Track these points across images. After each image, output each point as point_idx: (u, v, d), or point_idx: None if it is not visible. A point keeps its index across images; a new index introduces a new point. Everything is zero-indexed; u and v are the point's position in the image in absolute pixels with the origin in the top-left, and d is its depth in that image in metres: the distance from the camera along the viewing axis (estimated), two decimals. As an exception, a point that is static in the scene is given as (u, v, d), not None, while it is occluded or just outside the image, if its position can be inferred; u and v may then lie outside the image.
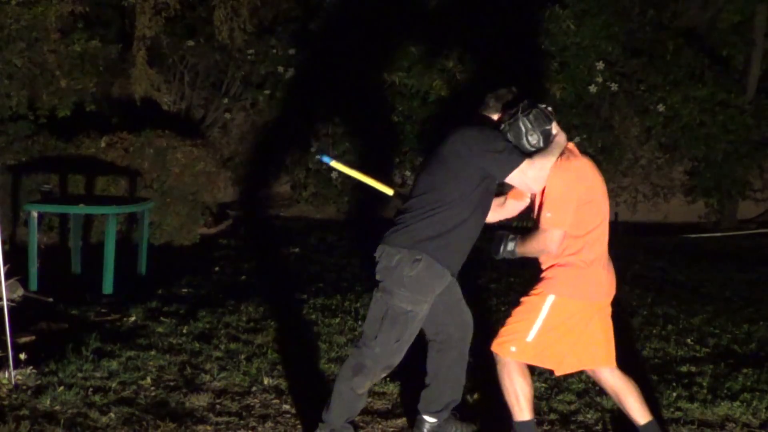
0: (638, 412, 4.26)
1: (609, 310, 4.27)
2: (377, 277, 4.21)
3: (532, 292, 4.17)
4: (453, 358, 4.38)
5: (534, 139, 4.11)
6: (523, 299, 4.20)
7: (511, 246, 4.20)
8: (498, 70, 10.86)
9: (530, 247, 4.14)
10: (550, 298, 4.11)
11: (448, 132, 4.23)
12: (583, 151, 4.33)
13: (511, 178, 4.11)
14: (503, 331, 4.20)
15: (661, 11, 12.41)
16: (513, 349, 4.13)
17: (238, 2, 10.96)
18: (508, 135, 4.14)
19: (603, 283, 4.17)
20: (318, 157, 4.74)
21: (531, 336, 4.11)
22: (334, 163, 4.80)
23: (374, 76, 11.77)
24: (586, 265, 4.11)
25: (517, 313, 4.18)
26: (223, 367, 5.45)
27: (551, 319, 4.11)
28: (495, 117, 4.27)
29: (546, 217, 4.06)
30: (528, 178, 4.07)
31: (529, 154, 4.10)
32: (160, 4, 10.48)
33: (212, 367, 5.43)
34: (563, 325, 4.13)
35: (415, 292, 4.10)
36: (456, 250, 4.17)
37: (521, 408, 4.17)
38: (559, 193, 4.06)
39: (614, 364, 4.29)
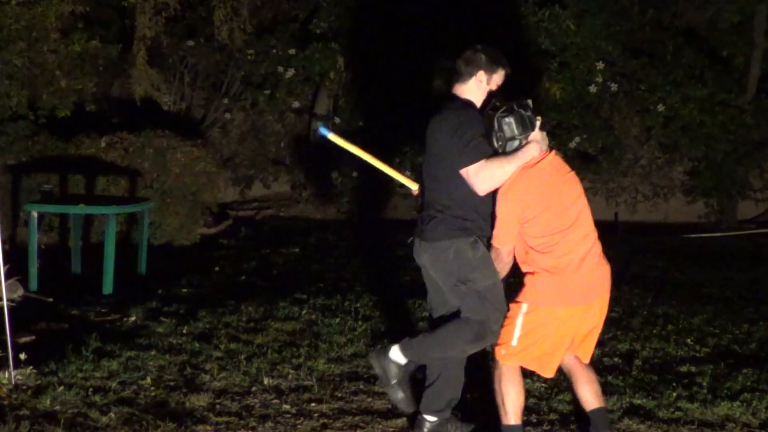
0: (588, 401, 4.30)
1: (597, 311, 4.24)
2: (437, 274, 4.28)
3: (515, 298, 4.24)
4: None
5: (500, 142, 4.16)
6: (510, 304, 4.26)
7: None
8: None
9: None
10: (524, 307, 4.18)
11: (430, 120, 4.26)
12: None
13: (464, 172, 4.13)
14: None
15: (661, 11, 12.41)
16: (503, 352, 4.23)
17: (238, 2, 10.96)
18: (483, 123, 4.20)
19: (577, 287, 4.13)
20: (315, 129, 4.62)
21: (515, 341, 4.19)
22: (332, 136, 4.62)
23: (374, 76, 11.78)
24: (550, 272, 4.11)
25: (506, 317, 4.26)
26: (223, 367, 5.45)
27: (526, 326, 4.17)
28: (470, 81, 4.27)
29: (494, 234, 4.18)
30: (477, 178, 4.09)
31: (490, 155, 4.12)
32: (160, 4, 10.47)
33: (212, 367, 5.43)
34: (537, 332, 4.17)
35: (486, 267, 4.21)
36: (485, 222, 4.24)
37: (506, 412, 4.24)
38: (503, 213, 4.13)
39: (585, 360, 4.33)
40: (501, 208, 4.14)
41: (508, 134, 4.14)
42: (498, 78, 4.31)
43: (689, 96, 11.83)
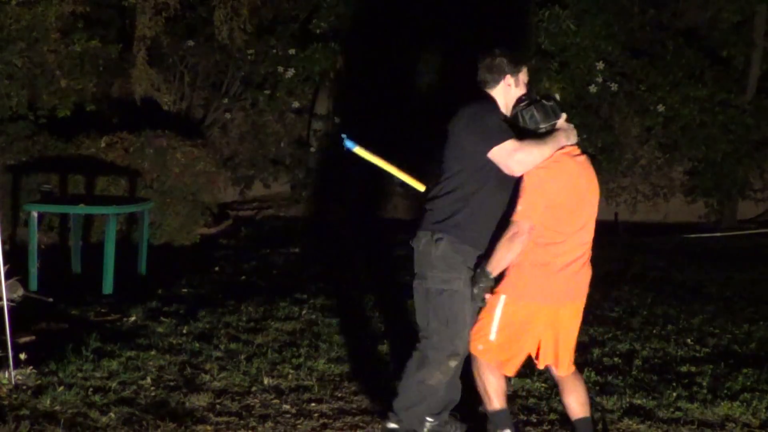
0: (573, 410, 4.25)
1: (569, 315, 4.17)
2: (414, 267, 4.27)
3: (494, 289, 4.19)
4: None
5: (531, 126, 4.13)
6: (488, 297, 4.20)
7: (481, 275, 4.12)
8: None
9: (500, 250, 4.05)
10: (502, 299, 4.14)
11: (452, 114, 4.21)
12: (587, 153, 4.25)
13: (493, 154, 4.04)
14: (473, 328, 4.23)
15: (661, 11, 12.41)
16: (480, 347, 4.19)
17: (238, 2, 10.96)
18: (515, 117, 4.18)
19: (558, 287, 4.09)
20: (343, 139, 4.52)
21: (493, 335, 4.15)
22: (358, 150, 4.53)
23: (375, 76, 11.78)
24: (537, 267, 4.05)
25: (483, 311, 4.23)
26: (223, 367, 5.45)
27: (505, 319, 4.13)
28: (497, 88, 4.22)
29: (517, 209, 4.03)
30: (513, 159, 4.01)
31: (515, 138, 4.07)
32: (160, 4, 10.48)
33: (212, 367, 5.43)
34: (514, 326, 4.13)
35: (445, 270, 4.13)
36: (474, 224, 4.15)
37: (490, 398, 4.22)
38: (535, 185, 4.02)
39: (564, 372, 4.25)
40: (534, 180, 4.01)
41: (531, 125, 4.11)
42: (523, 77, 4.25)
43: (689, 96, 11.83)
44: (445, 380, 4.23)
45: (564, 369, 4.24)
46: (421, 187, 4.58)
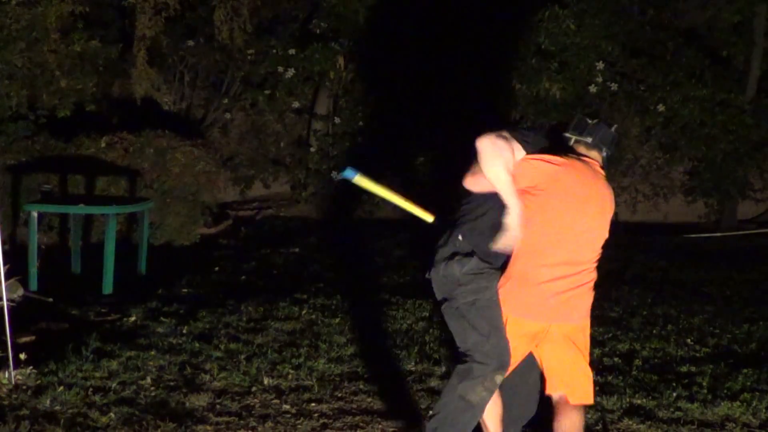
0: None
1: (562, 338, 3.95)
2: (437, 296, 4.05)
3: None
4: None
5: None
6: None
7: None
8: (498, 70, 10.89)
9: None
10: None
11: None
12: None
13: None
14: None
15: (661, 11, 12.42)
16: None
17: (238, 2, 10.97)
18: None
19: (540, 302, 3.87)
20: (340, 174, 4.23)
21: None
22: (359, 178, 4.16)
23: (375, 76, 11.78)
24: (518, 279, 3.88)
25: None
26: (223, 367, 5.45)
27: None
28: None
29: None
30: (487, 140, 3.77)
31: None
32: (160, 4, 10.49)
33: (212, 367, 5.43)
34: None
35: (473, 282, 3.93)
36: (486, 236, 3.93)
37: (486, 426, 4.03)
38: (533, 167, 3.79)
39: (552, 393, 4.03)
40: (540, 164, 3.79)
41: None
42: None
43: (689, 96, 11.84)
44: (488, 397, 3.92)
45: (573, 398, 3.96)
46: (429, 218, 4.24)
